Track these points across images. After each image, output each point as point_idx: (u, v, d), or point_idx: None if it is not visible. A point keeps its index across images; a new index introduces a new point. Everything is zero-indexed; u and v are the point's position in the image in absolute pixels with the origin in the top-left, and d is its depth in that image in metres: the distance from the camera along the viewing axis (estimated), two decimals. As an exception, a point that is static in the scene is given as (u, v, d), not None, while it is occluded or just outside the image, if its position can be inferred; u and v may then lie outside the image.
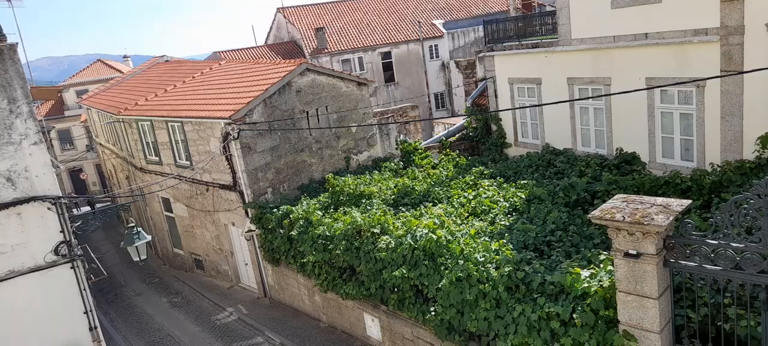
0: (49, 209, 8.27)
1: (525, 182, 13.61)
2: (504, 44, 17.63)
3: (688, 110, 12.79)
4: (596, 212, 6.86)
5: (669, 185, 11.32)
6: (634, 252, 6.63)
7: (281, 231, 14.71)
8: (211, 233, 18.68)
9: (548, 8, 27.65)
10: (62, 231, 8.44)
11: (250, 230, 16.00)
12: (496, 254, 9.42)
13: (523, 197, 12.47)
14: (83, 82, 43.61)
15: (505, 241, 9.97)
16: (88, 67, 47.24)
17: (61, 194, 8.48)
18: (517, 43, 17.08)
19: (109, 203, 27.56)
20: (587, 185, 12.33)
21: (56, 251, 8.46)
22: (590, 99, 14.93)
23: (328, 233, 12.99)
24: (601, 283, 7.72)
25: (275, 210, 15.12)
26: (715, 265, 6.26)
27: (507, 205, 12.29)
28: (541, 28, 17.80)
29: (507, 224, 11.24)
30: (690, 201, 6.87)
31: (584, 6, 14.35)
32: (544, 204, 11.70)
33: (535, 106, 16.28)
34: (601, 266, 8.06)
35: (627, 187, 11.59)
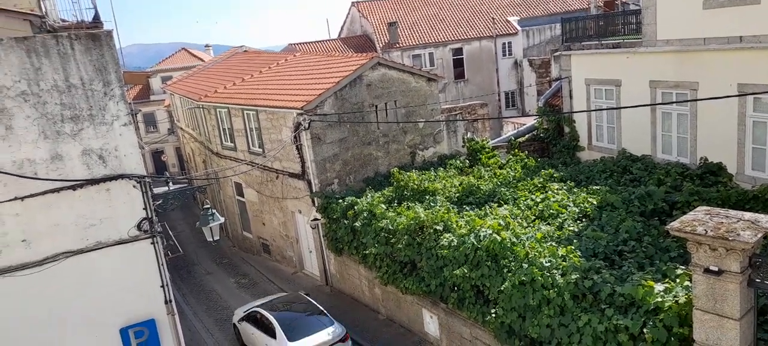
0: (134, 186, 8.85)
1: (597, 187, 13.08)
2: (582, 43, 16.95)
3: (785, 120, 11.79)
4: (675, 224, 6.49)
5: (758, 199, 10.52)
6: (716, 269, 6.23)
7: (345, 222, 14.97)
8: (279, 219, 19.31)
9: (632, 7, 26.31)
10: (145, 208, 9.00)
11: (316, 219, 16.39)
12: (563, 260, 9.14)
13: (595, 203, 11.99)
14: (168, 69, 46.19)
15: (573, 247, 9.64)
16: (173, 55, 49.98)
17: (145, 173, 9.05)
18: (597, 42, 16.37)
19: (186, 185, 29.07)
20: (666, 194, 11.68)
21: (139, 227, 9.03)
22: (674, 104, 14.08)
23: (390, 227, 13.08)
24: (676, 298, 7.31)
25: (340, 201, 15.40)
26: (809, 290, 5.76)
27: (576, 210, 11.88)
28: (623, 27, 16.96)
29: (576, 230, 10.87)
30: (783, 218, 6.35)
31: (673, 5, 13.53)
32: (618, 212, 11.19)
33: (614, 108, 15.53)
34: (678, 280, 7.63)
35: (710, 199, 10.89)
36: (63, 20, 15.88)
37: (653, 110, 14.70)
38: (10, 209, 8.20)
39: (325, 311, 13.06)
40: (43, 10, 13.88)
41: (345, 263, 16.14)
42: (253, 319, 13.41)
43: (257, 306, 13.78)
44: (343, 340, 12.16)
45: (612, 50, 15.68)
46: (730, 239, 5.95)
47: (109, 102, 8.43)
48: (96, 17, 15.62)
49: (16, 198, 8.14)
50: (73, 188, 8.47)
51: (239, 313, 14.50)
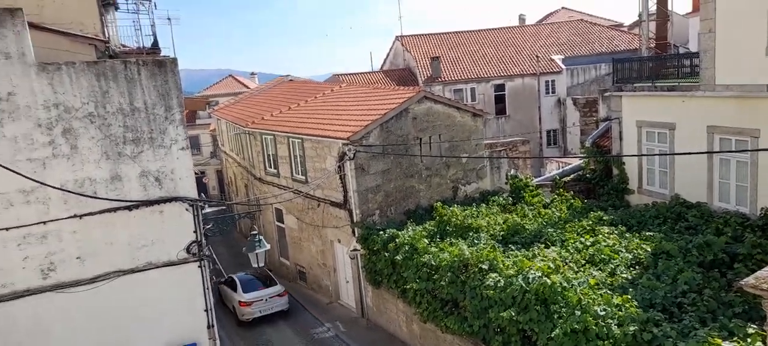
0: (186, 209, 9.00)
1: (651, 233, 12.58)
2: (634, 85, 16.58)
3: None
4: (750, 279, 6.10)
5: (830, 256, 9.87)
6: (796, 332, 5.80)
7: (386, 254, 14.80)
8: (317, 247, 19.30)
9: (681, 50, 25.71)
10: (195, 231, 9.13)
11: (356, 249, 16.29)
12: (619, 310, 8.72)
13: (649, 250, 11.51)
14: (215, 94, 47.58)
15: (629, 296, 9.21)
16: (220, 81, 51.55)
17: (198, 197, 9.19)
18: (650, 84, 15.98)
19: (224, 208, 29.48)
20: (726, 245, 11.11)
21: (188, 250, 9.14)
22: (734, 152, 13.52)
23: (433, 263, 12.85)
24: (747, 360, 6.83)
25: (381, 232, 15.28)
26: None
27: (629, 256, 11.42)
28: (676, 70, 16.52)
29: (629, 277, 10.42)
30: None
31: (733, 50, 13.12)
32: (675, 261, 10.69)
33: (670, 154, 14.99)
34: (749, 340, 7.14)
35: (776, 253, 10.28)
36: (123, 46, 16.60)
37: (710, 157, 14.14)
38: (69, 226, 8.43)
39: (275, 280, 19.05)
40: (107, 35, 14.53)
41: (383, 296, 15.92)
42: (228, 282, 19.62)
43: (232, 275, 19.82)
44: (280, 295, 18.32)
45: (666, 93, 15.27)
46: (813, 300, 5.54)
47: (169, 126, 8.65)
48: (155, 44, 16.29)
49: (75, 215, 8.37)
50: (130, 208, 8.66)
51: (221, 280, 20.43)
